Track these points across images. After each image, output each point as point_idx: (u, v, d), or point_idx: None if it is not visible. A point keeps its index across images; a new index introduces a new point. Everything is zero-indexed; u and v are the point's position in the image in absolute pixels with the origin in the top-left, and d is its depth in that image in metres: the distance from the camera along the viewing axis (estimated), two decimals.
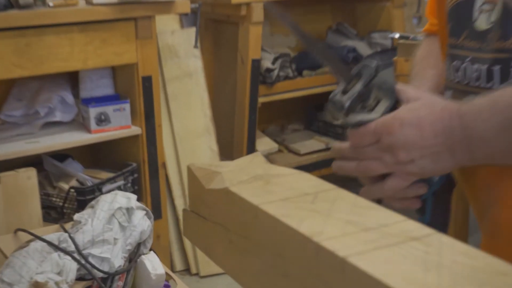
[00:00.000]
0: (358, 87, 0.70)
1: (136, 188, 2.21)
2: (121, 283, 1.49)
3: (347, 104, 0.69)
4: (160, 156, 2.23)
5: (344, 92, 0.70)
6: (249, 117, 2.56)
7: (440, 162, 0.65)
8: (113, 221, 1.51)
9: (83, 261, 1.23)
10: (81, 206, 1.87)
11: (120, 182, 2.14)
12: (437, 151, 0.65)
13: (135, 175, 2.19)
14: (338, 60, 0.71)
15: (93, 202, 1.58)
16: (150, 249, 1.58)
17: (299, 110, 3.12)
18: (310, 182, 0.61)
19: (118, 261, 1.44)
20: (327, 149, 2.90)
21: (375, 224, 0.50)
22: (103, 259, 1.38)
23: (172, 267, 2.45)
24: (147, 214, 1.58)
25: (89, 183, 2.03)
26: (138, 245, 1.52)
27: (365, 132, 0.68)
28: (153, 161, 2.21)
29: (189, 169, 0.67)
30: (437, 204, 0.73)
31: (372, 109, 0.70)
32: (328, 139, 2.94)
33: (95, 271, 1.25)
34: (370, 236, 0.47)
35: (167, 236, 2.37)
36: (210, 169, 0.66)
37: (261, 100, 2.60)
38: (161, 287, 1.52)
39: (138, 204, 1.58)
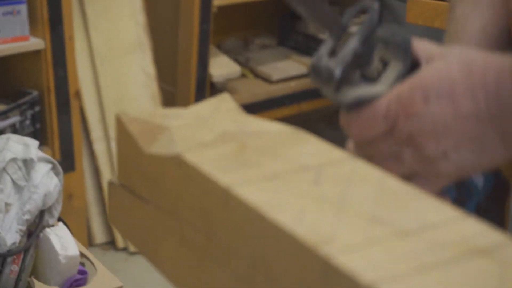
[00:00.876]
0: (353, 43, 0.62)
1: (37, 127, 2.18)
2: (16, 267, 1.45)
3: (338, 71, 0.61)
4: (72, 82, 2.21)
5: (333, 53, 0.62)
6: (200, 27, 2.51)
7: (485, 152, 0.58)
8: (4, 179, 1.48)
9: None
10: None
11: (15, 118, 2.11)
12: (480, 134, 0.58)
13: (36, 109, 2.16)
14: (318, 2, 0.61)
15: None
16: (59, 219, 1.55)
17: (270, 17, 3.08)
18: (310, 147, 0.55)
19: (11, 236, 1.42)
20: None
21: (416, 224, 0.44)
22: None
23: (90, 239, 2.44)
24: (53, 168, 1.54)
25: None
26: (41, 213, 1.49)
27: (370, 116, 0.59)
28: (62, 88, 2.19)
29: (118, 121, 0.59)
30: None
31: (376, 78, 0.63)
32: (311, 60, 2.90)
33: None
34: (410, 246, 0.42)
35: (83, 196, 2.35)
36: (152, 121, 0.58)
37: (217, 2, 2.54)
38: (74, 273, 1.48)
39: (41, 154, 1.53)
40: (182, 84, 2.58)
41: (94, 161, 2.42)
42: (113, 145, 2.40)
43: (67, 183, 2.10)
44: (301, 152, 0.54)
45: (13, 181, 1.41)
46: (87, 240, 2.39)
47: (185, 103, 2.56)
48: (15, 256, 1.39)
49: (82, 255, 1.39)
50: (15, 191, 1.40)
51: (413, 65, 0.62)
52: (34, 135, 2.07)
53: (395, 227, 0.43)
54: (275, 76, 2.80)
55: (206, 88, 2.59)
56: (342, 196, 0.47)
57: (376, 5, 0.62)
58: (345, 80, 0.62)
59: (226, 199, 0.49)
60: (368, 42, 0.62)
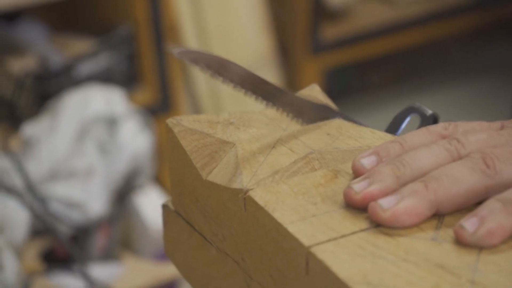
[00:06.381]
0: None
1: (131, 66, 2.11)
2: (103, 239, 1.39)
3: None
4: (169, 12, 2.16)
5: None
6: None
7: None
8: (85, 141, 1.42)
9: (38, 208, 1.14)
10: (43, 103, 1.75)
11: (106, 60, 2.04)
12: None
13: (129, 46, 2.08)
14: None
15: (53, 105, 1.47)
16: (151, 179, 1.48)
17: None
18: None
19: (96, 205, 1.36)
20: None
21: None
22: (70, 204, 1.33)
23: None
24: (143, 123, 1.47)
25: (53, 62, 1.90)
26: (130, 176, 1.43)
27: None
28: (157, 20, 2.13)
29: (168, 130, 0.48)
30: None
31: None
32: None
33: (58, 223, 1.22)
34: None
35: None
36: (213, 133, 0.47)
37: None
38: None
39: (127, 107, 1.46)
40: (293, 10, 2.47)
41: (196, 99, 2.36)
42: (219, 85, 2.33)
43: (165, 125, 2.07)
44: None
45: (97, 143, 1.34)
46: None
47: (297, 32, 2.47)
48: (102, 227, 1.33)
49: None
50: (99, 154, 1.34)
51: None
52: (127, 75, 2.01)
53: None
54: None
55: (321, 13, 2.47)
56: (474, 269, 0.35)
57: (427, 111, 0.52)
58: None
59: (306, 263, 0.37)
60: None
